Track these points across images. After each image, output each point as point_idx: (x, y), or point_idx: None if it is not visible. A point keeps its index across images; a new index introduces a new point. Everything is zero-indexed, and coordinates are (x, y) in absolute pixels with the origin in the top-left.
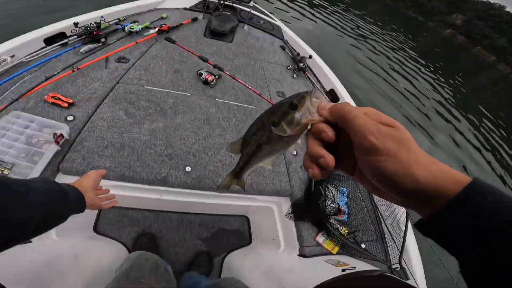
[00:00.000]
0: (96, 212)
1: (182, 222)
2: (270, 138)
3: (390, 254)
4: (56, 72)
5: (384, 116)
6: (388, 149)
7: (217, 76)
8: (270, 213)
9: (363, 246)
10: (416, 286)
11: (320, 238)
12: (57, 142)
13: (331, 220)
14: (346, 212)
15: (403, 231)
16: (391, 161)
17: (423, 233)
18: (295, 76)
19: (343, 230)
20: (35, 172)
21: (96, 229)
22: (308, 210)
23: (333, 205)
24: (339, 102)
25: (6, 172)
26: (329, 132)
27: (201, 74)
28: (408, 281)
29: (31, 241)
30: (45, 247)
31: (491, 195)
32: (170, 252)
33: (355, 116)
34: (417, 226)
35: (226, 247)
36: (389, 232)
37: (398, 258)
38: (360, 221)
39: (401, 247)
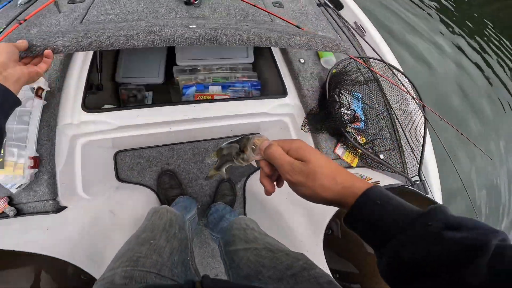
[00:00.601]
0: (112, 162)
1: (197, 151)
2: (233, 162)
3: (408, 165)
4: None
5: (303, 152)
6: (299, 182)
7: None
8: (284, 127)
9: (381, 156)
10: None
11: (339, 150)
12: (39, 96)
13: (349, 129)
14: (363, 119)
15: (421, 141)
16: (303, 188)
17: (346, 227)
18: None
19: (361, 139)
20: (31, 133)
21: (118, 177)
22: (324, 120)
23: (348, 112)
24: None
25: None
26: (265, 169)
27: None
28: (427, 196)
29: (66, 207)
30: (82, 211)
31: (380, 199)
32: (193, 186)
33: (276, 159)
34: (343, 221)
35: (245, 170)
36: (407, 141)
37: (417, 170)
38: (377, 128)
39: (420, 158)
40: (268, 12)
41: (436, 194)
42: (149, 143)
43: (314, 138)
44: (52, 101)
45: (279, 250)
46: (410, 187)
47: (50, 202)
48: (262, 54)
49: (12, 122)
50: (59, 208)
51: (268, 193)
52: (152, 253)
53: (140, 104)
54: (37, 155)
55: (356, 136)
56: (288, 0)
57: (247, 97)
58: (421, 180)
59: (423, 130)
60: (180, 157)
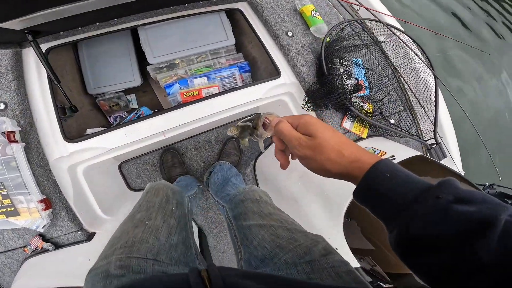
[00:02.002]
0: (119, 175)
1: (199, 145)
2: (250, 137)
3: (421, 127)
4: None
5: (309, 126)
6: (307, 156)
7: None
8: (285, 107)
9: (392, 121)
10: (455, 170)
11: (347, 123)
12: (15, 141)
13: (353, 99)
14: (367, 85)
15: (434, 100)
16: (311, 162)
17: (356, 202)
18: None
19: (368, 107)
20: (28, 178)
21: (130, 187)
22: (326, 95)
23: (351, 81)
24: None
25: (4, 192)
26: (277, 144)
27: None
28: (445, 159)
29: (95, 233)
30: (110, 231)
31: (389, 171)
32: (194, 163)
33: (284, 135)
34: (353, 195)
35: (252, 153)
36: (418, 101)
37: (433, 133)
38: (384, 93)
39: (434, 119)
40: None
41: (454, 155)
42: (149, 149)
43: (318, 115)
44: (30, 140)
45: (296, 230)
46: (428, 157)
47: (79, 232)
48: (243, 32)
49: (2, 171)
50: (90, 235)
51: (283, 166)
52: (148, 236)
53: (123, 122)
54: (44, 196)
55: (363, 104)
56: None
57: (238, 87)
58: (437, 143)
59: (434, 89)
60: (183, 154)
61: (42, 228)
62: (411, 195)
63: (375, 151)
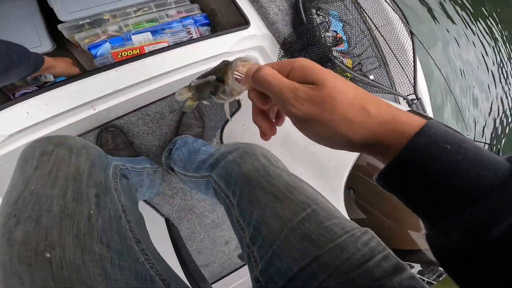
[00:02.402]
0: None
1: (149, 118)
2: (211, 99)
3: (398, 83)
4: None
5: (311, 71)
6: (309, 115)
7: None
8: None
9: (371, 77)
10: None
11: None
12: None
13: (334, 53)
14: (345, 39)
15: (411, 55)
16: (316, 125)
17: (381, 186)
18: None
19: (347, 62)
20: None
21: None
22: (306, 47)
23: (329, 34)
24: None
25: None
26: (257, 102)
27: None
28: (425, 114)
29: None
30: None
31: (449, 141)
32: (145, 141)
33: (270, 85)
34: (375, 179)
35: (216, 123)
36: (395, 56)
37: (412, 89)
38: (361, 48)
39: (414, 74)
40: None
41: (429, 111)
42: (79, 129)
43: None
44: None
45: (340, 227)
46: (419, 112)
47: None
48: None
49: None
50: None
51: (266, 135)
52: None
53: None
54: None
55: (342, 59)
56: None
57: (195, 38)
58: (418, 98)
59: (410, 44)
60: (129, 132)
61: None
62: (492, 180)
63: None
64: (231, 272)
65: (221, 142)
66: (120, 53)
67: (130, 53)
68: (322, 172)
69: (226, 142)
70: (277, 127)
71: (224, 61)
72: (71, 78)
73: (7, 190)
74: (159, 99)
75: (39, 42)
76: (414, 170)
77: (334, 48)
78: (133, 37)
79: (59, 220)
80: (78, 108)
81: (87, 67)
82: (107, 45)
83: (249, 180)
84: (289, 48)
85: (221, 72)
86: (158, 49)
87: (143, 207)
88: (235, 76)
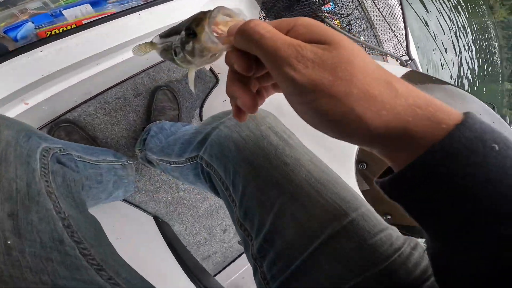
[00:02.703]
0: None
1: (109, 106)
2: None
3: (388, 44)
4: None
5: (318, 29)
6: (315, 82)
7: None
8: None
9: (362, 38)
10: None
11: None
12: None
13: (321, 13)
14: None
15: (401, 15)
16: (323, 99)
17: (385, 193)
18: None
19: (336, 23)
20: None
21: None
22: (292, 5)
23: None
24: None
25: None
26: (238, 65)
27: None
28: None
29: None
30: None
31: (496, 139)
32: (110, 134)
33: (264, 38)
34: (378, 183)
35: (193, 104)
36: (383, 18)
37: (405, 49)
38: (348, 9)
39: (405, 34)
40: None
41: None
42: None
43: None
44: None
45: (381, 240)
46: (419, 71)
47: None
48: None
49: None
50: None
51: (242, 114)
52: None
53: None
54: None
55: (331, 20)
56: None
57: (152, 1)
58: (411, 59)
59: (399, 5)
60: (88, 126)
61: None
62: None
63: None
64: (234, 260)
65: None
66: (49, 32)
67: (63, 31)
68: (329, 143)
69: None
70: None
71: (201, 12)
72: None
73: None
74: (117, 83)
75: None
76: (450, 173)
77: (322, 7)
78: (64, 12)
79: None
80: (2, 105)
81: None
82: (30, 25)
83: (255, 169)
84: (272, 7)
85: (195, 22)
86: (103, 17)
87: (126, 208)
88: (214, 28)
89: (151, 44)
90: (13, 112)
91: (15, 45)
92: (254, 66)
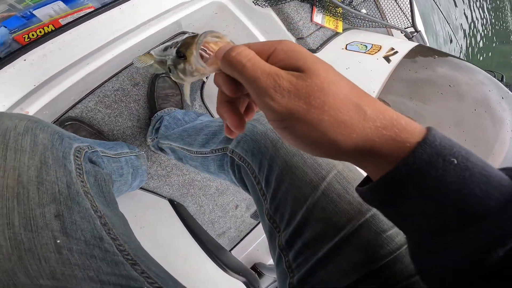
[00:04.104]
0: None
1: (108, 99)
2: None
3: (387, 16)
4: None
5: (297, 56)
6: (290, 111)
7: None
8: (224, 13)
9: (364, 11)
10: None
11: (318, 17)
12: None
13: None
14: None
15: None
16: (299, 125)
17: (365, 201)
18: None
19: None
20: None
21: None
22: None
23: None
24: None
25: None
26: (225, 88)
27: None
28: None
29: None
30: None
31: (456, 154)
32: (116, 126)
33: (245, 68)
34: (359, 191)
35: (193, 86)
36: None
37: (410, 21)
38: None
39: (410, 5)
40: None
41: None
42: None
43: (279, 12)
44: None
45: (395, 232)
46: (426, 45)
47: None
48: None
49: None
50: None
51: (231, 133)
52: None
53: None
54: None
55: None
56: None
57: None
58: (417, 31)
59: None
60: (92, 121)
61: None
62: (498, 198)
63: (366, 46)
64: (248, 233)
65: (203, 105)
66: (26, 35)
67: (40, 32)
68: None
69: (208, 103)
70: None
71: (191, 33)
72: None
73: None
74: (113, 75)
75: None
76: (415, 184)
77: None
78: (35, 12)
79: (18, 260)
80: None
81: None
82: (3, 30)
83: (291, 167)
84: None
85: (184, 46)
86: (83, 16)
87: (142, 195)
88: (201, 52)
89: (150, 56)
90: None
91: None
92: (240, 88)
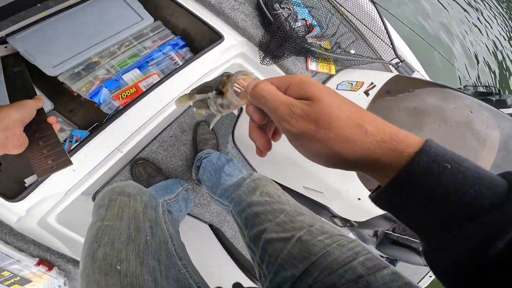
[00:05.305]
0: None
1: (167, 144)
2: (209, 109)
3: (379, 51)
4: None
5: (307, 87)
6: (303, 132)
7: None
8: (243, 69)
9: (352, 51)
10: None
11: (312, 65)
12: None
13: (309, 40)
14: (316, 24)
15: (381, 22)
16: (311, 143)
17: (377, 205)
18: None
19: (325, 44)
20: (3, 249)
21: None
22: (281, 43)
23: (299, 24)
24: None
25: None
26: (255, 117)
27: None
28: (415, 73)
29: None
30: None
31: (449, 160)
32: (171, 164)
33: (266, 100)
34: (371, 198)
35: (226, 131)
36: (366, 27)
37: (393, 53)
38: (333, 27)
39: (389, 39)
40: None
41: (419, 68)
42: (114, 170)
43: (281, 66)
44: None
45: (330, 239)
46: (404, 75)
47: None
48: (158, 5)
49: None
50: None
51: (262, 151)
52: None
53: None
54: (37, 259)
55: (319, 43)
56: None
57: (180, 66)
58: (402, 61)
59: (376, 13)
60: (155, 160)
61: (65, 286)
62: (492, 197)
63: (352, 84)
64: None
65: (235, 146)
66: (120, 95)
67: (128, 93)
68: None
69: (239, 144)
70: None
71: (225, 73)
72: (92, 134)
73: (89, 227)
74: (168, 125)
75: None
76: (415, 189)
77: (308, 35)
78: (123, 76)
79: (126, 244)
80: (109, 156)
81: (96, 113)
82: (105, 91)
83: (257, 215)
84: (267, 48)
85: (221, 84)
86: (152, 86)
87: (187, 220)
88: (235, 88)
89: (189, 96)
90: (114, 159)
91: (101, 108)
92: (266, 116)
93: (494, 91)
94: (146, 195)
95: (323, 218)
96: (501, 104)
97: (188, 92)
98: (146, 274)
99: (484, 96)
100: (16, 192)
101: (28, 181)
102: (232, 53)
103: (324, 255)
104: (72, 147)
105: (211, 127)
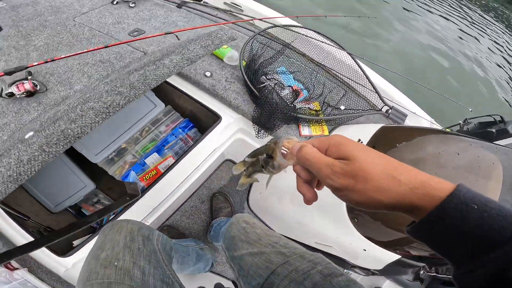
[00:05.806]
0: None
1: (188, 213)
2: (262, 171)
3: (370, 100)
4: None
5: (344, 148)
6: (345, 186)
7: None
8: (244, 144)
9: (342, 107)
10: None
11: (305, 130)
12: (14, 268)
13: (298, 106)
14: (302, 87)
15: (361, 73)
16: (352, 194)
17: (412, 237)
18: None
19: (314, 105)
20: None
21: None
22: (271, 115)
23: (286, 91)
24: None
25: None
26: (302, 174)
27: None
28: (407, 117)
29: None
30: None
31: (476, 201)
32: (193, 230)
33: (310, 162)
34: (407, 230)
35: (240, 198)
36: (351, 79)
37: (381, 101)
38: (319, 86)
39: (373, 88)
40: (132, 47)
41: (415, 109)
42: None
43: (275, 136)
44: (28, 265)
45: (292, 252)
46: (391, 125)
47: None
48: (167, 92)
49: None
50: None
51: (309, 201)
52: (123, 277)
53: (104, 224)
54: None
55: (308, 106)
56: (146, 19)
57: (189, 148)
58: (390, 107)
59: (356, 65)
60: (179, 227)
61: None
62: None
63: None
64: None
65: (251, 211)
66: (144, 177)
67: (150, 175)
68: (327, 210)
69: (254, 209)
70: (275, 182)
71: (272, 139)
72: (124, 208)
73: (95, 242)
74: (189, 196)
75: (83, 184)
76: (445, 224)
77: (296, 100)
78: (146, 160)
79: (123, 249)
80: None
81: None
82: (132, 174)
83: (233, 238)
84: (259, 121)
85: (270, 149)
86: (168, 168)
87: (213, 276)
88: (282, 151)
89: (244, 162)
90: None
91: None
92: (311, 174)
93: (495, 119)
94: (141, 223)
95: (323, 256)
96: (502, 134)
97: (244, 159)
98: (137, 269)
99: (486, 127)
100: (65, 250)
101: (76, 242)
102: (232, 129)
103: (284, 265)
104: (110, 218)
105: (266, 187)
